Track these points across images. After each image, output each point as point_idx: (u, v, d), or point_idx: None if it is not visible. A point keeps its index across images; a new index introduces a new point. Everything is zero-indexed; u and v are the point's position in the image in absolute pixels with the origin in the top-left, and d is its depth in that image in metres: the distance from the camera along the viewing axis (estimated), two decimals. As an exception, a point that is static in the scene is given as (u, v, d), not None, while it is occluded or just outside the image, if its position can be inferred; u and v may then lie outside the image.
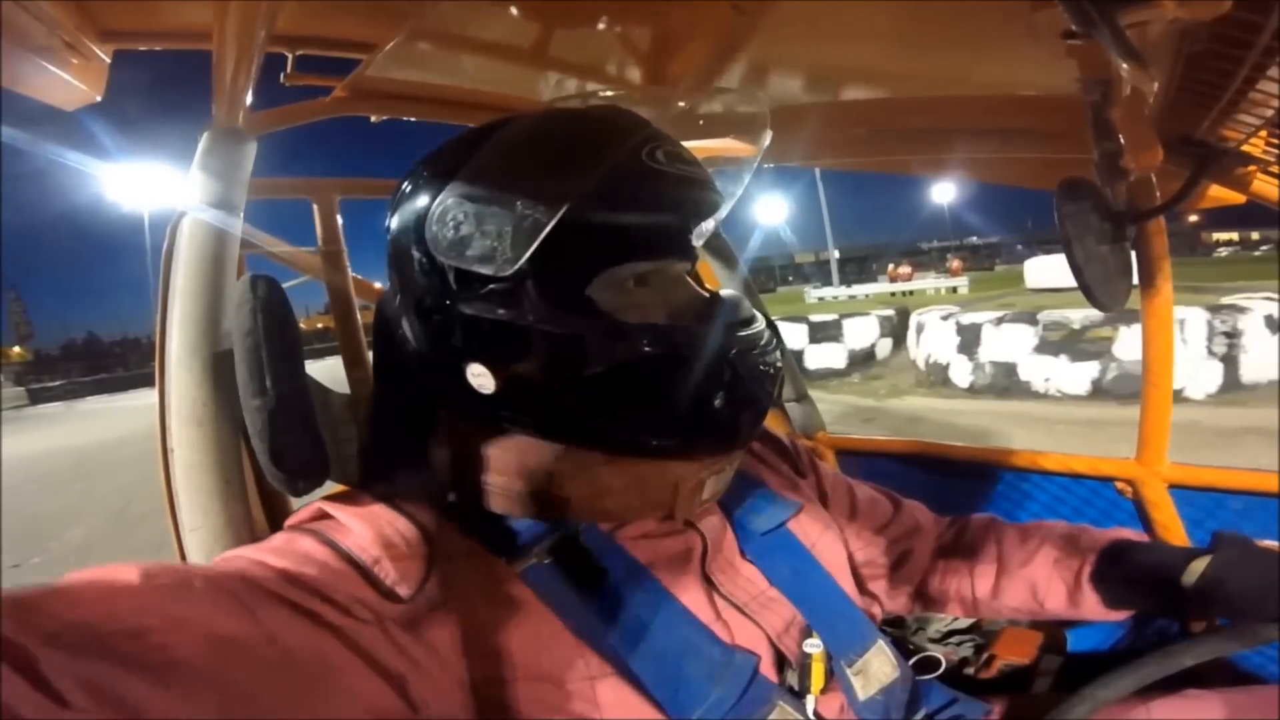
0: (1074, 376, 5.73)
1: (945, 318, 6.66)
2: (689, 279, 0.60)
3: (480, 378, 0.53)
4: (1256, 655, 0.90)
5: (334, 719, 0.38)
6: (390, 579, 0.47)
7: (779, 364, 0.57)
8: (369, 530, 0.49)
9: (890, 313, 8.52)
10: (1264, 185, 0.81)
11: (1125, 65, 0.46)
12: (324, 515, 0.52)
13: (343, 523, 0.50)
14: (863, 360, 7.90)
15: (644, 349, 0.51)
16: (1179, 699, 0.76)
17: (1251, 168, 0.80)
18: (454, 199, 0.52)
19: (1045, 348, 5.88)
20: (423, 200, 0.55)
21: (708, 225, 0.57)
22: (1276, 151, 0.77)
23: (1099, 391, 5.63)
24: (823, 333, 7.79)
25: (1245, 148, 0.77)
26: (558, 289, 0.52)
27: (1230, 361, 5.52)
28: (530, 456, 0.54)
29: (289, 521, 0.53)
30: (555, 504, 0.55)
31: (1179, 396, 5.22)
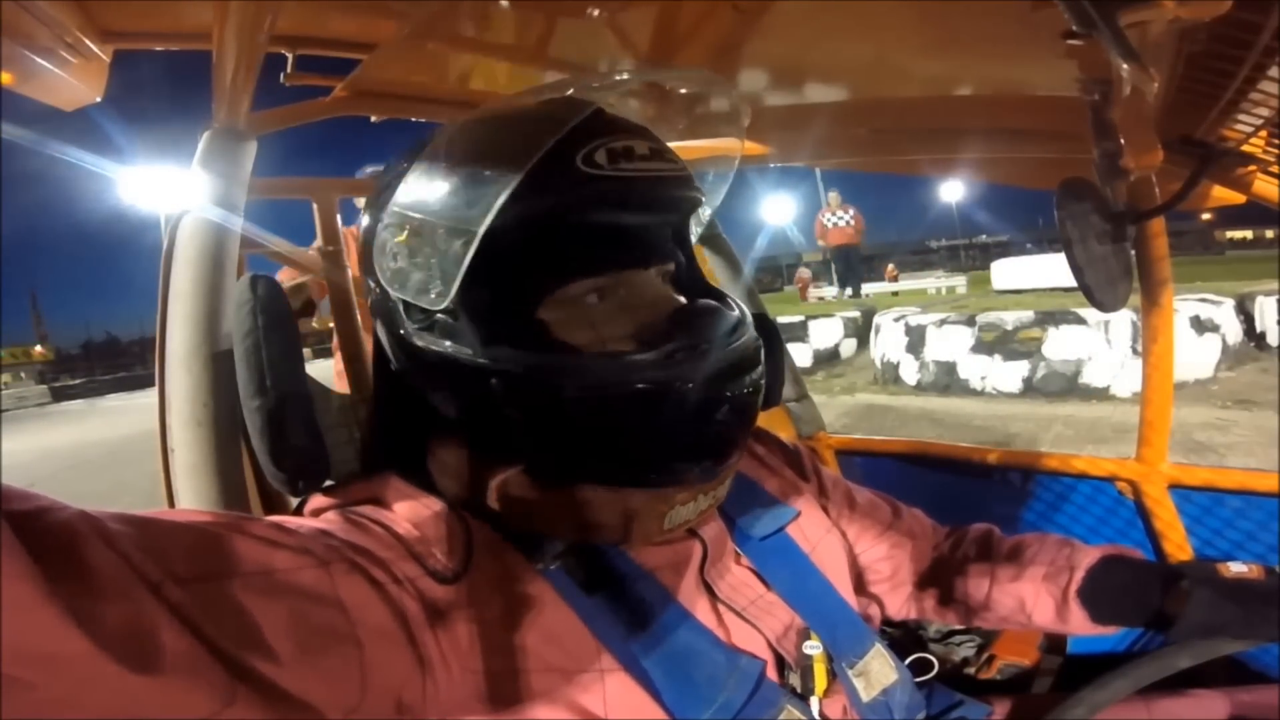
0: (1007, 375, 5.93)
1: (897, 319, 6.85)
2: (663, 284, 0.55)
3: (443, 404, 0.52)
4: (1260, 654, 0.90)
5: (375, 683, 0.39)
6: (436, 562, 0.47)
7: (754, 386, 0.52)
8: (416, 513, 0.49)
9: (856, 314, 8.75)
10: (1264, 185, 0.81)
11: (1125, 65, 0.46)
12: (368, 495, 0.52)
13: (389, 503, 0.50)
14: (828, 359, 8.16)
15: (559, 381, 0.47)
16: (1181, 698, 0.76)
17: (1251, 168, 0.80)
18: (391, 226, 0.51)
19: (980, 348, 6.10)
20: (370, 221, 0.54)
21: (703, 215, 0.54)
22: (1276, 151, 0.77)
23: (1030, 389, 5.78)
24: (789, 333, 8.03)
25: (1245, 148, 0.77)
26: (497, 317, 0.50)
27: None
28: (485, 470, 0.53)
29: (328, 500, 0.52)
30: (512, 519, 0.53)
31: (1105, 394, 5.29)
